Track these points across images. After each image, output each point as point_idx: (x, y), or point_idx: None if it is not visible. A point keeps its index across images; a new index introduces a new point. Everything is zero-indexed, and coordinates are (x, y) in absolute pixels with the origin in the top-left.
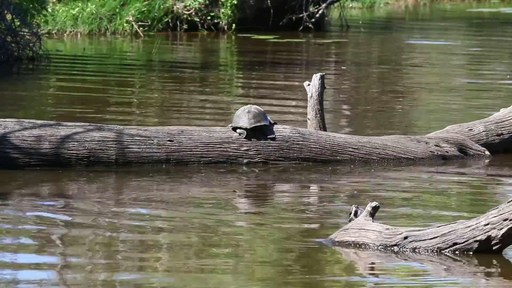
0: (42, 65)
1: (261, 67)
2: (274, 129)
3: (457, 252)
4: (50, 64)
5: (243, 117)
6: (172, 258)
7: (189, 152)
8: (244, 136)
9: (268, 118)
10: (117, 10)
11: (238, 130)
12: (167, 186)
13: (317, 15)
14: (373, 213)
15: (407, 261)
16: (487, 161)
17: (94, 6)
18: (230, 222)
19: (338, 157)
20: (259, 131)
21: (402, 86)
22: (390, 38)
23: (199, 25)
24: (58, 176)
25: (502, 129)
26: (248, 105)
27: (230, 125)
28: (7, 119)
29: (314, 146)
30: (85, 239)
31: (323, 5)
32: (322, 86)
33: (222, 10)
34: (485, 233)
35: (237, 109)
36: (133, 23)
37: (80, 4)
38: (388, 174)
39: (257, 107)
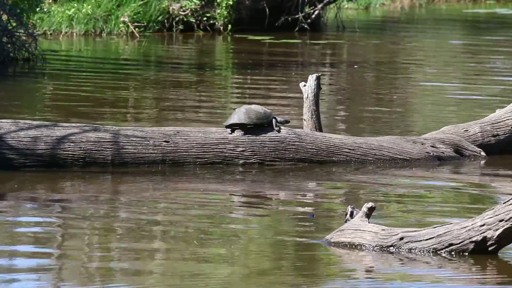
0: (38, 66)
1: (257, 68)
2: (260, 129)
3: (452, 253)
4: (45, 64)
5: (232, 115)
6: (168, 259)
7: (185, 153)
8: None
9: (256, 119)
10: (113, 11)
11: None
12: (163, 186)
13: (313, 16)
14: (369, 214)
15: (403, 261)
16: (482, 162)
17: (90, 6)
18: (226, 222)
19: (334, 158)
20: (236, 129)
21: (398, 87)
22: (386, 38)
23: (195, 25)
24: (54, 177)
25: (498, 130)
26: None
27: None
28: (3, 120)
29: (310, 147)
30: (81, 239)
31: (319, 6)
32: (318, 87)
33: (218, 11)
34: (481, 234)
35: (233, 110)
36: (129, 23)
37: (75, 4)
38: (384, 175)
39: (250, 106)
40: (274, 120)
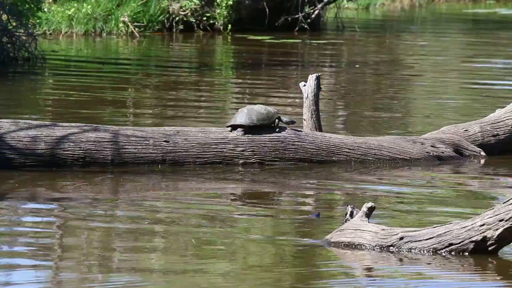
0: (38, 66)
1: (257, 68)
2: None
3: (452, 252)
4: (45, 64)
5: (234, 115)
6: (167, 259)
7: (185, 153)
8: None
9: (257, 120)
10: (113, 10)
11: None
12: (163, 186)
13: (313, 16)
14: (368, 214)
15: (403, 261)
16: (482, 161)
17: (89, 6)
18: (225, 222)
19: (334, 158)
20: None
21: (398, 87)
22: (386, 38)
23: (195, 25)
24: (54, 176)
25: (498, 129)
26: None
27: None
28: (3, 120)
29: (310, 147)
30: (81, 239)
31: (319, 6)
32: (318, 86)
33: (218, 11)
34: (480, 233)
35: (233, 110)
36: (129, 23)
37: (75, 4)
38: (384, 175)
39: (252, 107)
40: (277, 120)
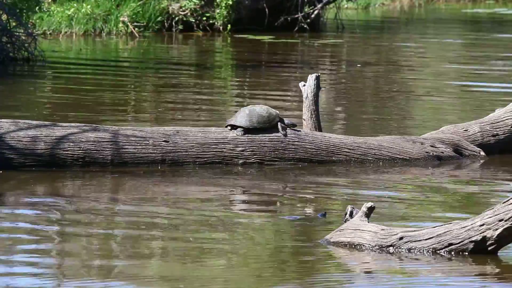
0: (38, 66)
1: (257, 68)
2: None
3: (452, 252)
4: (45, 64)
5: (236, 114)
6: (167, 259)
7: (185, 153)
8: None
9: (258, 123)
10: (112, 10)
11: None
12: (162, 186)
13: (312, 16)
14: (368, 214)
15: (403, 261)
16: (482, 161)
17: (89, 6)
18: (225, 222)
19: (333, 158)
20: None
21: (397, 87)
22: (385, 39)
23: (195, 25)
24: (54, 176)
25: (498, 129)
26: (252, 105)
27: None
28: (2, 120)
29: (309, 147)
30: (81, 239)
31: (319, 6)
32: (318, 86)
33: (217, 11)
34: (480, 233)
35: (232, 109)
36: (129, 23)
37: (75, 4)
38: (384, 175)
39: (254, 108)
40: (280, 123)
